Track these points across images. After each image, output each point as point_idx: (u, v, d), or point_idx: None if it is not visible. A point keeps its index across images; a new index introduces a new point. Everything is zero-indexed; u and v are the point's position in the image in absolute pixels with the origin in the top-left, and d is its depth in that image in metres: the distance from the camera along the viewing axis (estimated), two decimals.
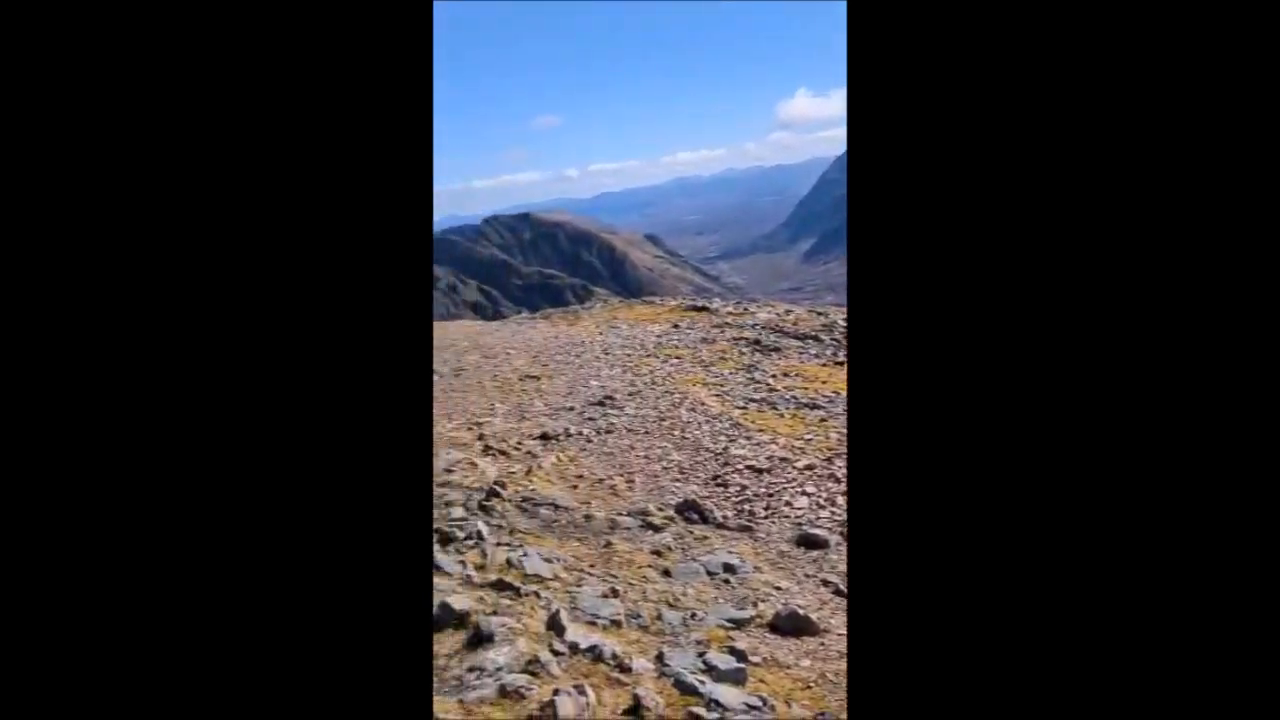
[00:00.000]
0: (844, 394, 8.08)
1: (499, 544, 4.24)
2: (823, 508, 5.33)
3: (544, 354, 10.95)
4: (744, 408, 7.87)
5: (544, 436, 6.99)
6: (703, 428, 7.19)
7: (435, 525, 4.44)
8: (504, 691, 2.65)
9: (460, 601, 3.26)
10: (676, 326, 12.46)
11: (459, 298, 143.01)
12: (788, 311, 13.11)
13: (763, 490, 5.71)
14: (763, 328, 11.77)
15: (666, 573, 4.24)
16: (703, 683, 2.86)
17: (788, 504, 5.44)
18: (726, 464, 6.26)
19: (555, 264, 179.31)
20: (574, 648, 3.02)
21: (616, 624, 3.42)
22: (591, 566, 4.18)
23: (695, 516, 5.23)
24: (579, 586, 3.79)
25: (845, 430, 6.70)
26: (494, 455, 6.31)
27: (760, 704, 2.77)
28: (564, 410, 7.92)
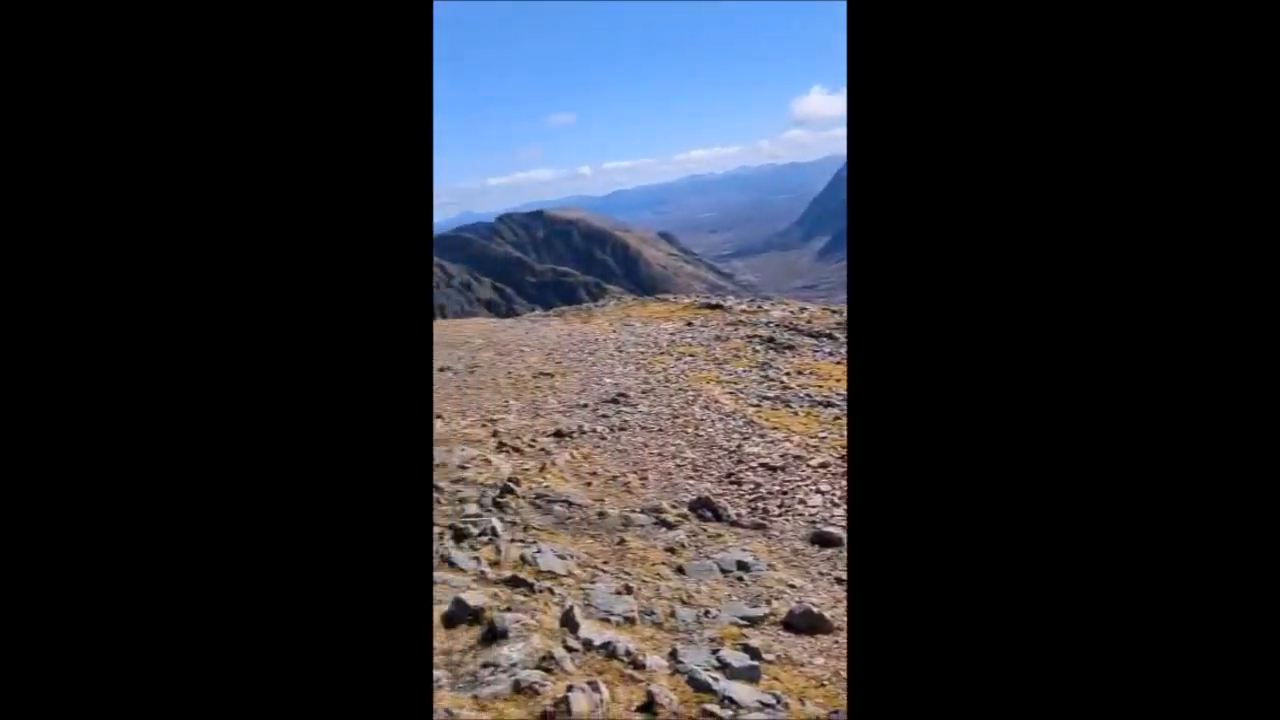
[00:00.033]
0: None
1: (513, 540, 4.25)
2: (836, 506, 5.32)
3: (558, 351, 10.97)
4: (758, 405, 7.86)
5: (558, 434, 7.00)
6: (716, 425, 7.19)
7: (450, 521, 4.46)
8: (518, 687, 2.66)
9: (475, 598, 3.26)
10: (690, 324, 12.45)
11: (473, 295, 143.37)
12: (802, 309, 13.08)
13: (776, 488, 5.70)
14: (777, 325, 11.75)
15: (680, 570, 4.24)
16: (716, 680, 2.86)
17: (801, 502, 5.43)
18: (740, 461, 6.25)
19: (569, 261, 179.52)
20: (588, 644, 3.03)
21: (630, 621, 3.42)
22: (605, 563, 4.18)
23: (709, 514, 5.23)
24: (593, 583, 3.79)
25: None
26: (508, 452, 6.33)
27: (774, 701, 2.76)
28: (578, 407, 7.93)
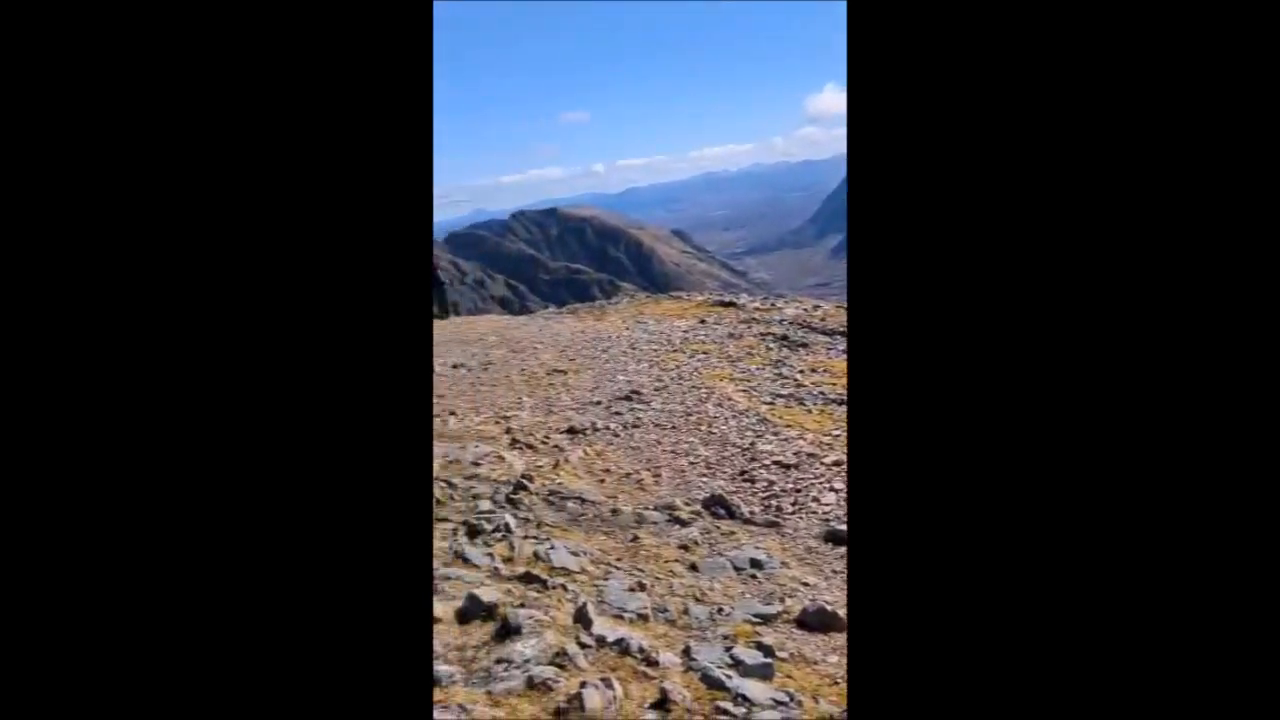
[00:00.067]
0: None
1: (526, 537, 4.25)
2: None
3: (571, 349, 10.97)
4: (771, 403, 7.84)
5: (571, 430, 7.00)
6: (730, 423, 7.17)
7: (463, 518, 4.47)
8: (532, 683, 2.66)
9: (488, 594, 3.27)
10: (703, 322, 12.43)
11: (486, 292, 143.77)
12: (815, 307, 13.04)
13: (790, 486, 5.69)
14: (790, 323, 11.72)
15: (693, 567, 4.24)
16: (730, 677, 2.85)
17: (815, 500, 5.41)
18: (754, 459, 6.24)
19: (582, 259, 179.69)
20: (601, 641, 3.03)
21: (643, 618, 3.42)
22: (618, 560, 4.18)
23: (722, 511, 5.22)
24: (606, 580, 3.79)
25: None
26: (521, 449, 6.34)
27: (788, 699, 2.75)
28: (591, 405, 7.94)
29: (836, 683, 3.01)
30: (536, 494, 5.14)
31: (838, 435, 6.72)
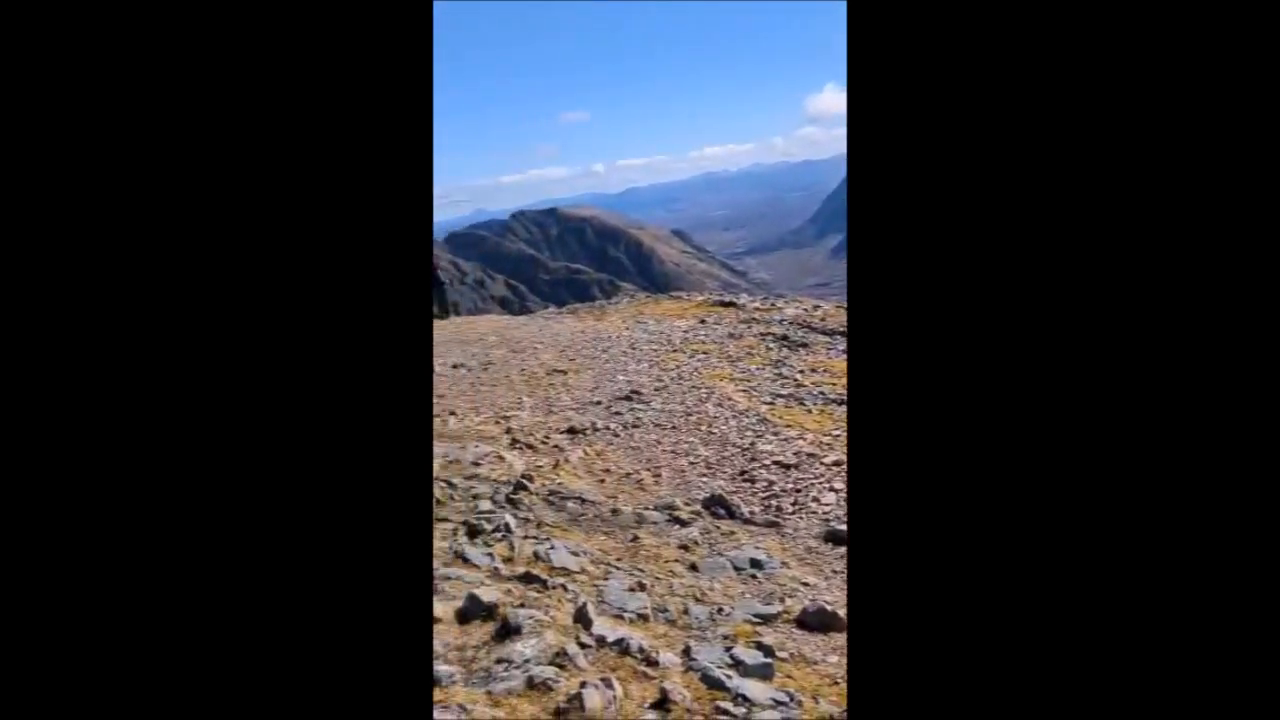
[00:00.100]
0: None
1: (526, 537, 4.25)
2: None
3: (571, 349, 10.97)
4: (771, 403, 7.84)
5: (571, 430, 7.00)
6: (730, 423, 7.17)
7: (463, 518, 4.47)
8: (532, 683, 2.66)
9: (488, 594, 3.27)
10: (703, 322, 12.43)
11: (486, 292, 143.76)
12: (815, 307, 13.04)
13: (790, 486, 5.69)
14: (790, 323, 11.72)
15: (693, 567, 4.24)
16: (730, 677, 2.85)
17: (815, 500, 5.41)
18: (754, 459, 6.24)
19: (582, 259, 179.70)
20: (601, 641, 3.03)
21: (644, 618, 3.42)
22: (618, 560, 4.18)
23: (722, 511, 5.22)
24: (606, 580, 3.79)
25: None
26: (521, 449, 6.34)
27: (788, 699, 2.75)
28: (591, 405, 7.94)
29: (836, 683, 3.01)
30: (536, 494, 5.14)
31: (838, 435, 6.72)
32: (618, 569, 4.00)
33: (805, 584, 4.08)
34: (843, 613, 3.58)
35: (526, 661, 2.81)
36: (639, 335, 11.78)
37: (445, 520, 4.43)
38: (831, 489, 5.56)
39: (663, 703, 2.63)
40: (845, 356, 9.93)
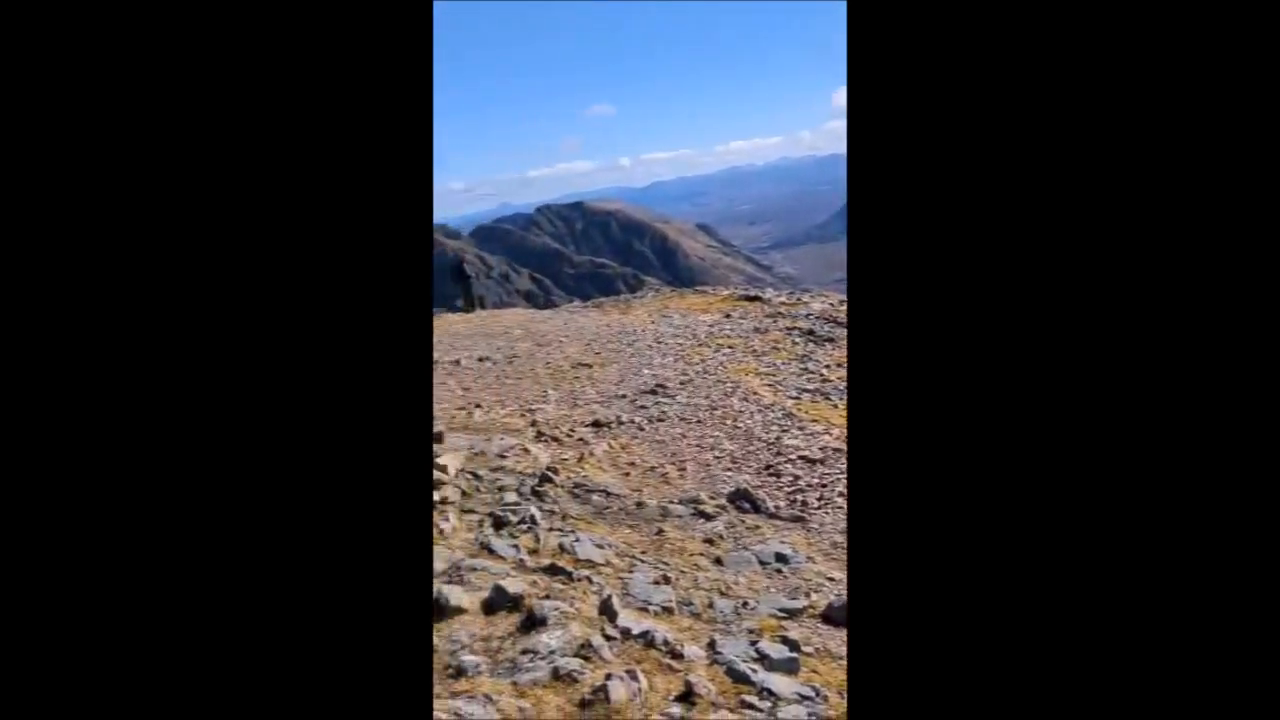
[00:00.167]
0: None
1: (551, 529, 4.27)
2: None
3: (596, 342, 10.99)
4: (797, 398, 7.81)
5: (596, 424, 7.02)
6: (755, 417, 7.15)
7: (489, 509, 4.49)
8: (557, 674, 2.67)
9: (514, 585, 3.29)
10: (729, 316, 12.40)
11: (511, 286, 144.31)
12: (842, 302, 12.95)
13: (816, 481, 5.66)
14: (816, 318, 11.66)
15: (718, 561, 4.23)
16: (755, 671, 2.85)
17: (841, 495, 5.38)
18: (779, 454, 6.22)
19: (607, 253, 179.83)
20: (626, 633, 3.03)
21: (668, 611, 3.42)
22: (643, 553, 4.19)
23: (747, 505, 5.21)
24: (630, 573, 3.80)
25: None
26: (546, 441, 6.36)
27: (813, 694, 2.74)
28: (616, 398, 7.95)
29: None
30: (562, 486, 5.15)
31: None
32: (642, 562, 4.01)
33: (830, 579, 4.06)
34: None
35: (552, 653, 2.82)
36: (664, 329, 11.77)
37: (471, 512, 4.46)
38: None
39: (688, 696, 2.63)
40: None
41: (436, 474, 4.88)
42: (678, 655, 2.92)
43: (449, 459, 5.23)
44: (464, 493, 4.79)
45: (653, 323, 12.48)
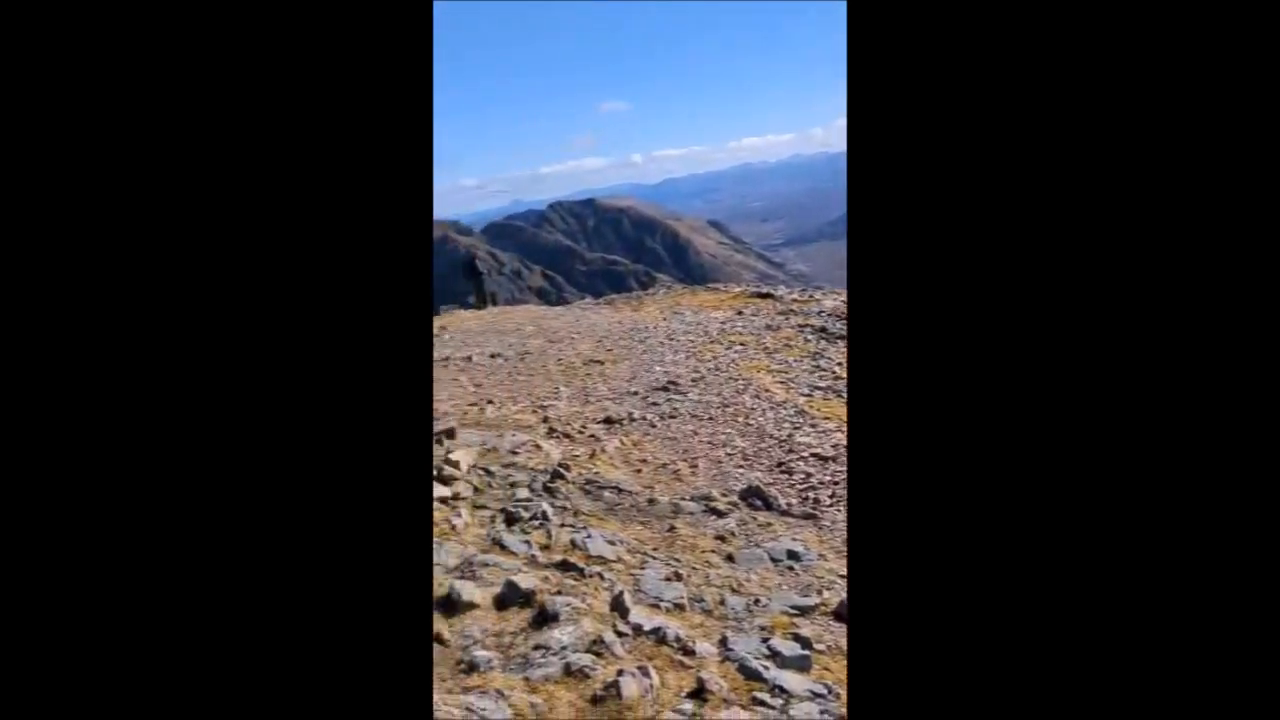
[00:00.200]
0: None
1: (563, 525, 4.27)
2: None
3: (608, 339, 10.99)
4: (809, 395, 7.79)
5: (608, 420, 7.02)
6: (767, 414, 7.14)
7: (501, 505, 4.50)
8: (569, 670, 2.67)
9: (526, 581, 3.29)
10: (740, 313, 12.38)
11: (523, 283, 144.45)
12: None
13: (828, 478, 5.65)
14: (828, 315, 11.62)
15: (730, 558, 4.23)
16: (767, 668, 2.84)
17: None
18: (791, 451, 6.21)
19: (619, 250, 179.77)
20: (638, 629, 3.03)
21: (680, 607, 3.42)
22: (654, 550, 4.19)
23: (759, 503, 5.20)
24: (642, 569, 3.80)
25: None
26: (558, 438, 6.36)
27: (825, 691, 2.74)
28: (628, 395, 7.95)
29: None
30: (573, 483, 5.16)
31: None
32: (654, 558, 4.01)
33: (842, 576, 4.05)
34: None
35: (564, 649, 2.82)
36: (676, 326, 11.76)
37: (483, 508, 4.47)
38: None
39: (699, 692, 2.63)
40: None
41: (449, 469, 4.89)
42: (689, 652, 2.92)
43: (461, 455, 5.24)
44: (476, 488, 4.80)
45: (664, 320, 12.47)
